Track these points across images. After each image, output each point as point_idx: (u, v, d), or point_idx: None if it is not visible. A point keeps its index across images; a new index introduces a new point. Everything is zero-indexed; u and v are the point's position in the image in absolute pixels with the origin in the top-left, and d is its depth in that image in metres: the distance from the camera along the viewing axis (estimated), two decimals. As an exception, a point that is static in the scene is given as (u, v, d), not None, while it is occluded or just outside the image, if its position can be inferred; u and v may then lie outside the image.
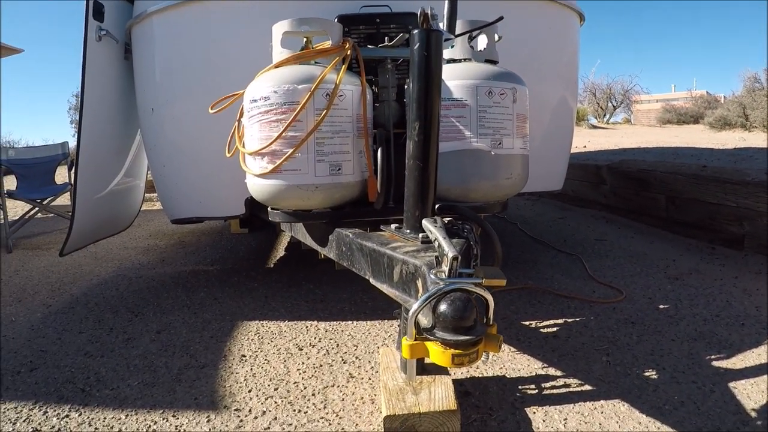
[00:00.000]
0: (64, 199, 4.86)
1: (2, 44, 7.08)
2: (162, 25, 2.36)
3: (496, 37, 1.69)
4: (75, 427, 1.49)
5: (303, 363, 1.84)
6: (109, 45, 2.63)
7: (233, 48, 2.21)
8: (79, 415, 1.55)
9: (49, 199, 4.54)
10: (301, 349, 1.95)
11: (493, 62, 1.68)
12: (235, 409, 1.55)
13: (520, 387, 1.63)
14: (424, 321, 1.06)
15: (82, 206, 2.58)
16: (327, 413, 1.52)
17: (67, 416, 1.55)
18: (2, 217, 4.21)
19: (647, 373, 1.68)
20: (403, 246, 1.31)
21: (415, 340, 1.07)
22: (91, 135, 2.55)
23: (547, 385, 1.64)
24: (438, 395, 1.36)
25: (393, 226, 1.47)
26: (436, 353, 1.04)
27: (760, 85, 15.97)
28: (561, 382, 1.65)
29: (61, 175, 5.08)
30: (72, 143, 4.67)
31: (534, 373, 1.71)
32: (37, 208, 4.50)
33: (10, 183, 4.65)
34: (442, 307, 1.01)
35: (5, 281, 3.07)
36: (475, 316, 1.01)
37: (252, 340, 2.06)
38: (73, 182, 2.71)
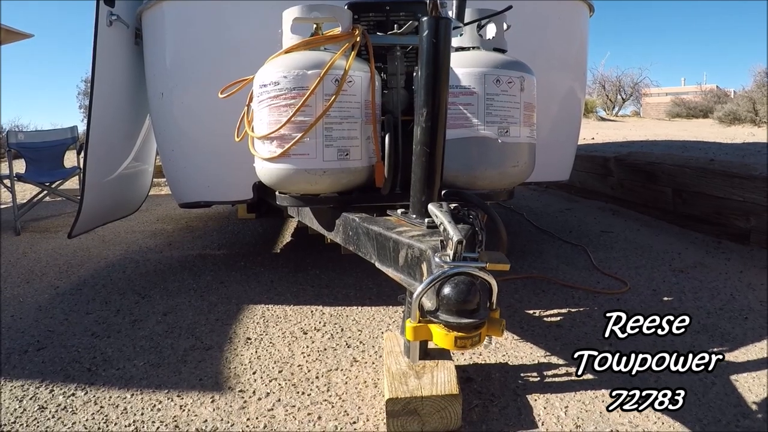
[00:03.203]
0: (73, 183, 4.90)
1: (13, 29, 7.07)
2: (173, 10, 2.36)
3: (505, 26, 1.69)
4: (81, 406, 1.52)
5: (307, 347, 1.86)
6: (120, 30, 2.63)
7: (243, 33, 2.21)
8: (85, 394, 1.58)
9: (57, 182, 4.57)
10: (306, 333, 1.97)
11: (502, 51, 1.68)
12: (240, 391, 1.58)
13: (522, 374, 1.64)
14: (428, 304, 1.07)
15: (91, 190, 2.60)
16: (330, 396, 1.53)
17: (73, 395, 1.58)
18: (11, 199, 4.25)
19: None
20: (409, 230, 1.32)
21: (419, 322, 1.08)
22: (100, 119, 2.57)
23: (549, 373, 1.65)
24: (440, 380, 1.37)
25: (399, 211, 1.49)
26: (439, 336, 1.05)
27: (771, 81, 15.83)
28: (563, 370, 1.66)
29: (70, 159, 5.11)
30: (81, 128, 4.70)
31: (536, 361, 1.72)
32: (45, 191, 4.54)
33: (20, 166, 4.68)
34: (446, 290, 1.02)
35: (14, 263, 3.10)
36: (479, 300, 1.02)
37: (257, 323, 2.08)
38: (82, 166, 2.73)
